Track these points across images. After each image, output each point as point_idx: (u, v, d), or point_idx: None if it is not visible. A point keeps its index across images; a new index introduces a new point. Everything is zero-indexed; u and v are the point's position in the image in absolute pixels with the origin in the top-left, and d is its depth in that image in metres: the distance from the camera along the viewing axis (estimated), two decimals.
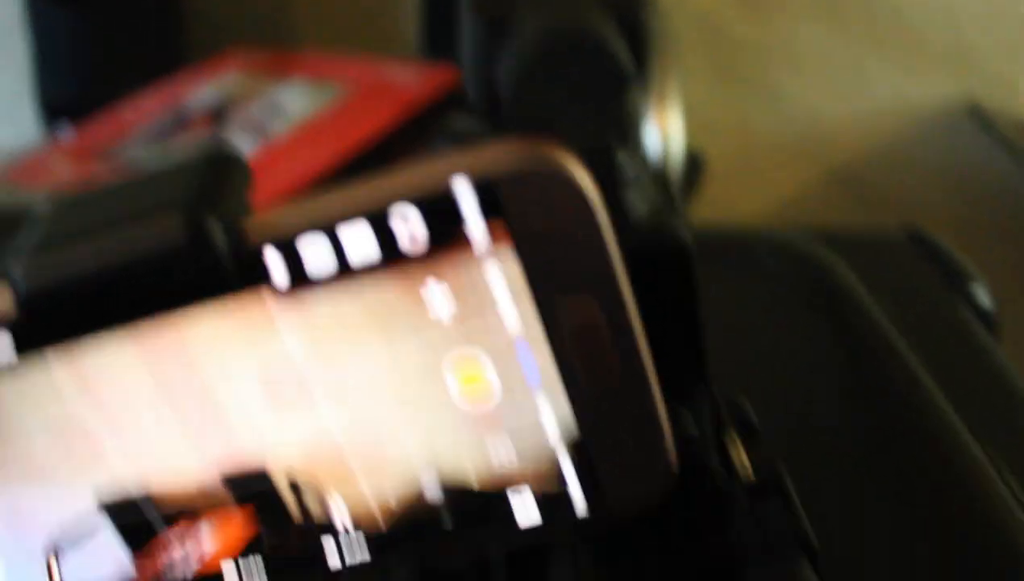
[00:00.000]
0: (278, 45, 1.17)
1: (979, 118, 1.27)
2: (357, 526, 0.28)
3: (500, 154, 0.22)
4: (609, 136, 0.24)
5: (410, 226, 0.23)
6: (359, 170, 0.93)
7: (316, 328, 0.24)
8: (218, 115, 1.02)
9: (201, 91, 1.06)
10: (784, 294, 0.49)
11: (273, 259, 0.23)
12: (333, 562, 0.28)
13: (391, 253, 0.23)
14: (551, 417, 0.26)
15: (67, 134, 1.09)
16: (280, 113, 1.00)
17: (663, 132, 0.91)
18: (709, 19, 1.29)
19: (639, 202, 0.26)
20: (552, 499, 0.27)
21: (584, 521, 0.27)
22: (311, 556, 0.28)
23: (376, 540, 0.28)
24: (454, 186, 0.22)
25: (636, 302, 0.25)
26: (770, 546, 0.30)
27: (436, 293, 0.24)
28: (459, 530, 0.27)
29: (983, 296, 0.52)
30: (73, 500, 0.28)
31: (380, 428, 0.26)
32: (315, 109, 1.00)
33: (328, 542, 0.28)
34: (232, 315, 0.24)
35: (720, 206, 1.42)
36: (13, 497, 0.28)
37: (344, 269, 0.23)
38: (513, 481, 0.27)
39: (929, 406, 0.43)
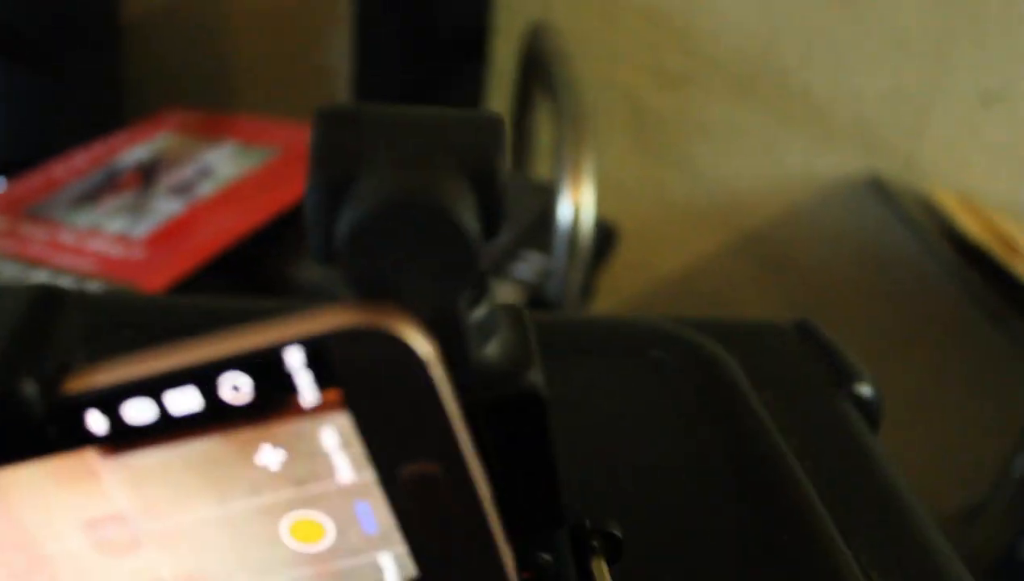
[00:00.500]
0: (214, 107, 1.14)
1: (880, 190, 1.28)
2: None
3: (332, 318, 0.20)
4: (455, 296, 0.22)
5: (240, 392, 0.21)
6: (278, 232, 0.90)
7: (144, 484, 0.22)
8: (148, 174, 0.99)
9: (133, 150, 1.03)
10: (668, 387, 0.48)
11: (95, 420, 0.21)
12: None
13: (220, 416, 0.21)
14: (389, 562, 0.24)
15: (1, 187, 1.06)
16: (210, 174, 0.97)
17: (576, 203, 0.90)
18: (630, 93, 1.28)
19: (495, 354, 0.24)
20: None
21: None
22: None
23: None
24: (284, 353, 0.20)
25: (489, 450, 0.23)
26: None
27: (270, 456, 0.22)
28: None
29: (867, 391, 0.51)
30: None
31: (212, 574, 0.24)
32: (244, 171, 0.98)
33: None
34: (55, 471, 0.22)
35: (637, 268, 1.42)
36: None
37: (171, 431, 0.21)
38: None
39: (800, 501, 0.41)
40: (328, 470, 0.22)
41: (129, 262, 0.85)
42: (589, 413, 0.46)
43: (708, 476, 0.43)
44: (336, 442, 0.22)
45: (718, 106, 1.30)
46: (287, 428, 0.21)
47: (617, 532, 0.32)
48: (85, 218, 0.92)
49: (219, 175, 0.97)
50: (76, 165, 1.01)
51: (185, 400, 0.21)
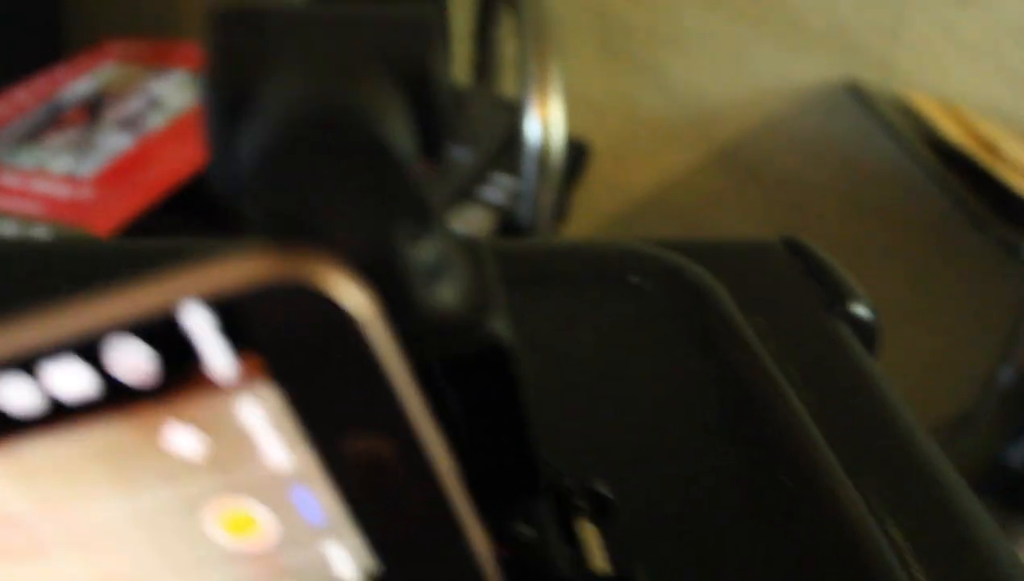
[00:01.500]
0: (159, 37, 1.08)
1: (858, 97, 1.24)
2: None
3: (239, 268, 0.16)
4: (390, 231, 0.18)
5: (132, 360, 0.17)
6: None
7: (36, 478, 0.18)
8: (93, 109, 0.94)
9: (76, 84, 0.98)
10: (650, 316, 0.44)
11: None
12: None
13: (114, 393, 0.17)
14: (343, 554, 0.20)
15: None
16: (158, 106, 0.92)
17: (544, 121, 0.85)
18: (596, 4, 1.22)
19: (448, 295, 0.20)
20: None
21: None
22: None
23: None
24: (183, 311, 0.16)
25: (450, 413, 0.19)
26: None
27: (181, 436, 0.18)
28: None
29: (863, 311, 0.47)
30: None
31: (133, 576, 0.20)
32: (195, 102, 0.92)
33: None
34: None
35: (610, 185, 1.37)
36: None
37: (56, 413, 0.17)
38: None
39: (802, 440, 0.38)
40: (253, 452, 0.18)
41: (77, 203, 0.80)
42: (564, 350, 0.42)
43: (700, 415, 0.39)
44: (259, 419, 0.18)
45: (689, 14, 1.25)
46: (197, 405, 0.17)
47: (605, 491, 0.28)
48: (28, 158, 0.87)
49: (168, 107, 0.92)
50: (15, 102, 0.96)
51: (71, 378, 0.17)
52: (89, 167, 0.84)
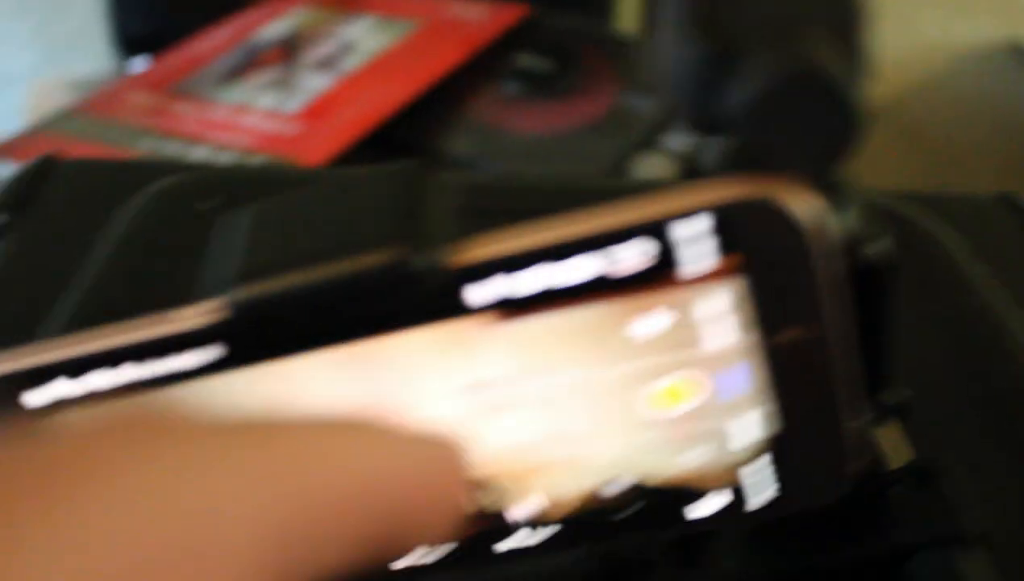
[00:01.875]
0: None
1: (1020, 58, 1.24)
2: (532, 516, 0.26)
3: (728, 189, 0.20)
4: (833, 168, 0.22)
5: (631, 261, 0.21)
6: (426, 106, 0.90)
7: (525, 349, 0.23)
8: (289, 51, 0.99)
9: (270, 27, 1.03)
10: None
11: (487, 289, 0.22)
12: (503, 546, 0.27)
13: (608, 285, 0.21)
14: (741, 424, 0.24)
15: (141, 67, 1.07)
16: (352, 49, 0.97)
17: None
18: None
19: (850, 218, 0.24)
20: (728, 494, 0.26)
21: (755, 514, 0.26)
22: (484, 541, 0.27)
23: (549, 527, 0.27)
24: (679, 223, 0.21)
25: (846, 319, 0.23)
26: (930, 535, 0.29)
27: (648, 323, 0.22)
28: (633, 520, 0.26)
29: None
30: None
31: (573, 434, 0.25)
32: (386, 45, 0.97)
33: (502, 529, 0.27)
34: (438, 337, 0.23)
35: None
36: None
37: (558, 299, 0.22)
38: (692, 478, 0.25)
39: None
40: (700, 337, 0.22)
41: (285, 137, 0.86)
42: None
43: (942, 355, 0.43)
44: (715, 310, 0.22)
45: None
46: (670, 296, 0.22)
47: (906, 397, 0.32)
48: (233, 94, 0.93)
49: (362, 49, 0.97)
50: (216, 42, 1.02)
51: (576, 269, 0.21)
52: (293, 104, 0.90)
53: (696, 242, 0.21)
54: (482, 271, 0.22)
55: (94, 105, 0.95)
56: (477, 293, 0.22)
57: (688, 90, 0.22)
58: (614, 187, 0.53)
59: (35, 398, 0.23)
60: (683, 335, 0.22)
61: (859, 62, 0.22)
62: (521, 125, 0.91)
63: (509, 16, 1.00)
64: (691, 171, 0.87)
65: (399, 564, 0.27)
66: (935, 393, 0.41)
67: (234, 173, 0.51)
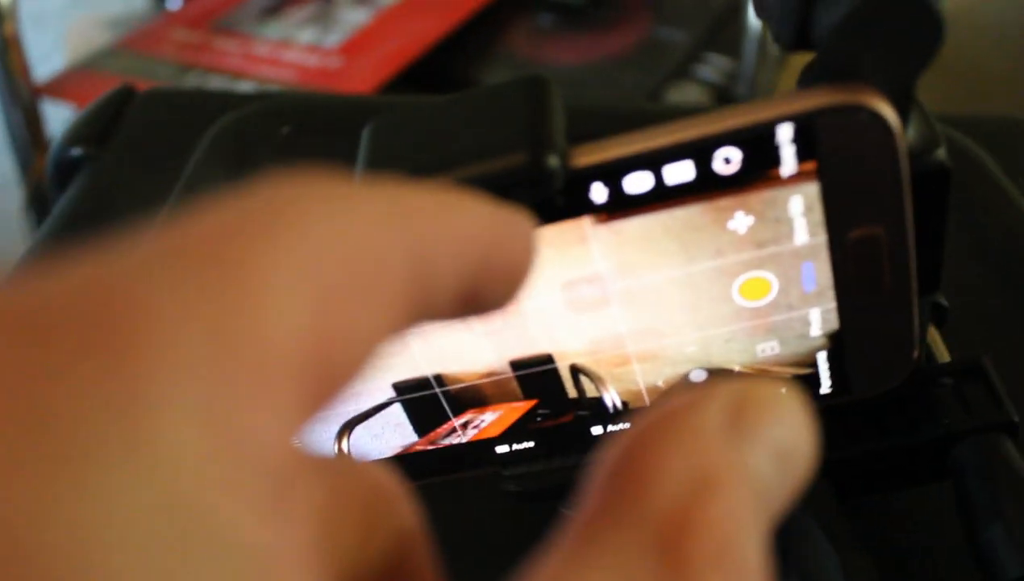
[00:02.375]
0: None
1: None
2: (624, 402, 0.30)
3: (820, 97, 0.23)
4: (916, 77, 0.24)
5: (730, 163, 0.24)
6: (462, 39, 0.92)
7: (625, 247, 0.26)
8: None
9: None
10: None
11: (598, 191, 0.24)
12: (596, 430, 0.30)
13: (707, 186, 0.24)
14: (816, 315, 0.27)
15: (176, 4, 1.09)
16: None
17: None
18: None
19: (910, 132, 0.26)
20: (802, 379, 0.29)
21: (829, 397, 0.29)
22: (577, 426, 0.30)
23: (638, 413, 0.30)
24: (777, 128, 0.23)
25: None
26: (974, 421, 0.32)
27: (741, 221, 0.25)
28: None
29: None
30: (369, 386, 0.30)
31: (663, 326, 0.28)
32: None
33: (595, 413, 0.30)
34: (550, 236, 0.25)
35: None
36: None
37: (662, 199, 0.25)
38: (771, 365, 0.28)
39: None
40: (787, 234, 0.25)
41: (328, 71, 0.88)
42: None
43: (984, 266, 0.45)
44: (801, 208, 0.25)
45: None
46: (762, 196, 0.24)
47: (944, 302, 0.35)
48: (274, 30, 0.96)
49: None
50: None
51: (680, 171, 0.24)
52: (333, 39, 0.92)
53: (793, 144, 0.23)
54: (599, 173, 0.24)
55: (136, 42, 0.97)
56: (592, 194, 0.25)
57: (780, 13, 0.25)
58: (672, 111, 0.56)
59: None
60: (773, 230, 0.25)
61: None
62: (555, 57, 0.93)
63: None
64: (723, 99, 0.89)
65: (502, 448, 0.31)
66: (976, 298, 0.44)
67: (309, 99, 0.53)
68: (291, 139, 0.48)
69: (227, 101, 0.52)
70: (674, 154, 0.24)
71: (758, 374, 0.29)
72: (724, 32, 0.92)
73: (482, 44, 0.93)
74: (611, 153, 0.24)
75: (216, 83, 0.88)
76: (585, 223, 0.25)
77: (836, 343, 0.28)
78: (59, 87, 0.93)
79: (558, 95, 0.25)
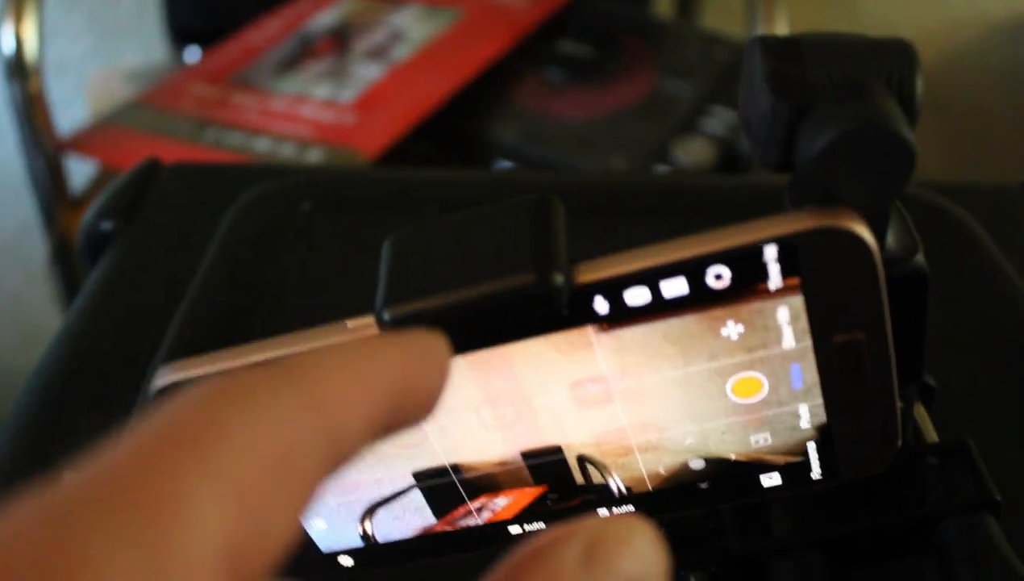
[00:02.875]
0: None
1: None
2: (627, 488, 0.32)
3: (803, 221, 0.25)
4: (892, 199, 0.27)
5: (721, 279, 0.26)
6: (473, 93, 0.95)
7: (627, 351, 0.28)
8: (341, 40, 1.04)
9: (321, 16, 1.08)
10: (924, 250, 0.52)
11: (600, 304, 0.27)
12: (602, 512, 0.33)
13: (701, 300, 0.27)
14: (805, 410, 0.29)
15: (195, 57, 1.12)
16: (401, 38, 1.02)
17: None
18: None
19: (890, 239, 0.29)
20: (793, 466, 0.31)
21: (816, 483, 0.31)
22: (585, 509, 0.32)
23: (641, 497, 0.32)
24: (764, 248, 0.26)
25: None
26: (959, 501, 0.34)
27: (732, 329, 0.27)
28: (712, 490, 0.32)
29: None
30: (391, 474, 0.32)
31: (663, 421, 0.30)
32: (434, 33, 1.02)
33: (600, 498, 0.32)
34: (556, 342, 0.28)
35: None
36: (343, 472, 0.32)
37: (659, 310, 0.27)
38: (764, 454, 0.31)
39: None
40: (775, 339, 0.27)
41: (343, 127, 0.91)
42: None
43: (974, 337, 0.47)
44: (787, 317, 0.27)
45: None
46: (751, 307, 0.27)
47: (931, 382, 0.37)
48: (290, 85, 0.98)
49: (411, 38, 1.01)
50: (269, 32, 1.07)
51: (675, 286, 0.26)
52: (348, 94, 0.95)
53: (778, 262, 0.26)
54: (601, 288, 0.27)
55: (156, 97, 1.00)
56: (595, 307, 0.27)
57: (764, 139, 0.27)
58: (689, 183, 0.58)
59: None
60: (762, 337, 0.27)
61: (914, 109, 0.27)
62: (564, 111, 0.96)
63: (551, 3, 1.04)
64: (728, 154, 0.91)
65: (515, 529, 0.33)
66: (964, 372, 0.46)
67: (329, 175, 0.56)
68: (312, 216, 0.50)
69: (249, 174, 0.54)
70: (669, 271, 0.26)
71: (757, 460, 0.31)
72: (729, 85, 0.94)
73: (493, 99, 0.96)
74: (612, 271, 0.26)
75: (233, 139, 0.91)
76: (590, 331, 0.27)
77: (824, 434, 0.30)
78: (82, 143, 0.96)
79: (561, 213, 0.28)
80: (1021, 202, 0.58)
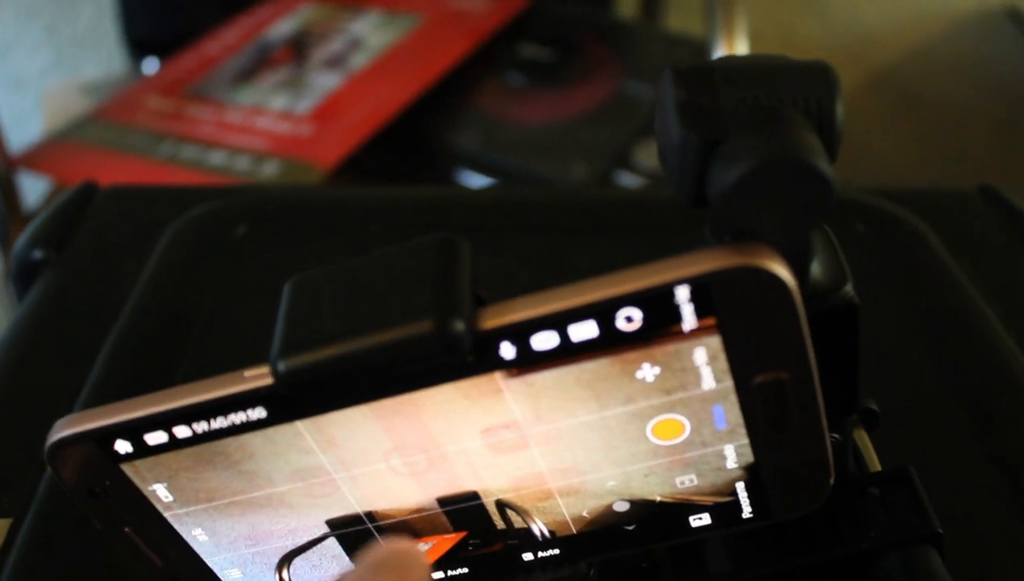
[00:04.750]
0: None
1: (1017, 20, 1.25)
2: (551, 531, 0.30)
3: (715, 260, 0.24)
4: (810, 233, 0.25)
5: (632, 322, 0.25)
6: (433, 100, 0.94)
7: (539, 396, 0.26)
8: (298, 48, 1.02)
9: (279, 24, 1.06)
10: (877, 260, 0.51)
11: (507, 350, 0.25)
12: (526, 557, 0.31)
13: (612, 343, 0.25)
14: (731, 450, 0.28)
15: (152, 69, 1.10)
16: (360, 45, 1.00)
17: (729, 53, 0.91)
18: None
19: (816, 270, 0.27)
20: (723, 506, 0.29)
21: (748, 521, 0.30)
22: (508, 553, 0.31)
23: (566, 540, 0.31)
24: (675, 289, 0.24)
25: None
26: (899, 534, 0.32)
27: (647, 371, 0.26)
28: (639, 531, 0.30)
29: None
30: (305, 523, 0.30)
31: (582, 465, 0.28)
32: (393, 41, 1.00)
33: (524, 542, 0.31)
34: (465, 389, 0.26)
35: None
36: (254, 522, 0.30)
37: (569, 355, 0.25)
38: (691, 495, 0.29)
39: (1013, 366, 0.45)
40: (694, 381, 0.26)
41: (299, 139, 0.89)
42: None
43: (926, 349, 0.46)
44: (704, 358, 0.25)
45: None
46: (666, 349, 0.25)
47: (875, 407, 0.36)
48: (247, 96, 0.97)
49: (369, 46, 1.00)
50: (226, 42, 1.05)
51: (585, 330, 0.25)
52: (305, 104, 0.93)
53: (691, 303, 0.24)
54: (506, 334, 0.25)
55: (111, 111, 0.98)
56: (501, 353, 0.25)
57: (676, 171, 0.25)
58: (610, 198, 0.57)
59: (124, 447, 0.27)
60: (679, 379, 0.26)
61: (833, 136, 0.25)
62: (525, 116, 0.94)
63: (511, 6, 1.03)
64: None
65: (438, 574, 0.31)
66: (915, 390, 0.45)
67: (265, 196, 0.54)
68: (246, 239, 0.49)
69: (186, 197, 0.53)
70: (578, 315, 0.25)
71: (684, 500, 0.29)
72: None
73: (453, 105, 0.94)
74: (517, 315, 0.25)
75: (188, 153, 0.89)
76: (498, 377, 0.26)
77: (753, 474, 0.29)
78: (34, 159, 0.94)
79: (467, 254, 0.26)
80: (979, 208, 0.57)
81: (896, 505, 0.33)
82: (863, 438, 0.36)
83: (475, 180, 0.90)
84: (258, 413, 0.27)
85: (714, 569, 0.33)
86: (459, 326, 0.25)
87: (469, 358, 0.25)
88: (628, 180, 0.87)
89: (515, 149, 0.91)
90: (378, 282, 0.26)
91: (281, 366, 0.25)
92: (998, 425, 0.42)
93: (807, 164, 0.23)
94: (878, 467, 0.35)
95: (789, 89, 0.25)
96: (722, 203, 0.24)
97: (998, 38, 1.30)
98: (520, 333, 0.25)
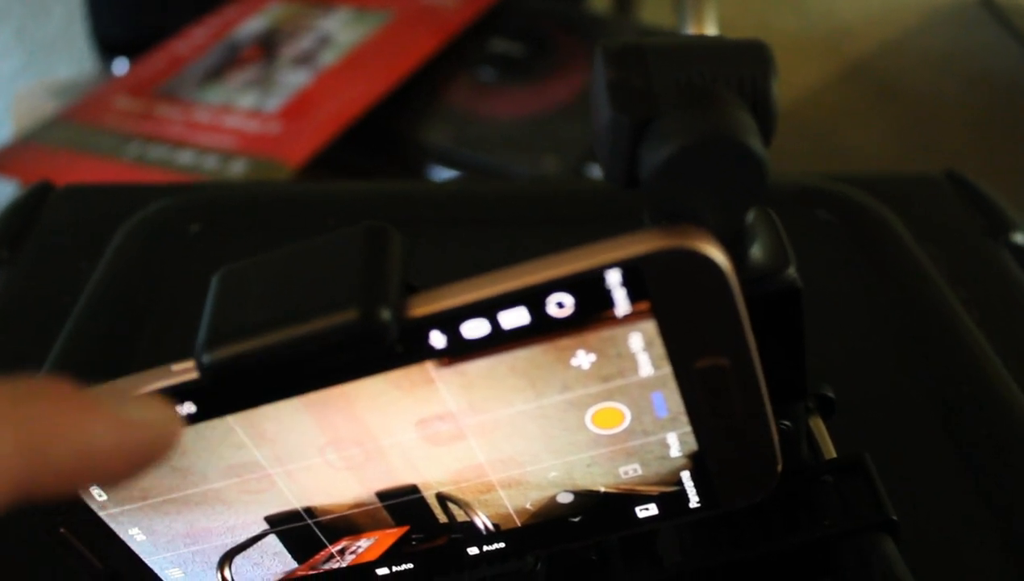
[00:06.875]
0: None
1: (992, 11, 1.25)
2: (495, 524, 0.30)
3: (646, 242, 0.23)
4: (745, 214, 0.25)
5: (564, 307, 0.24)
6: (404, 96, 0.93)
7: (472, 386, 0.26)
8: (268, 46, 1.01)
9: (249, 23, 1.05)
10: (840, 247, 0.50)
11: (437, 338, 0.25)
12: (472, 551, 0.31)
13: (544, 329, 0.24)
14: (674, 438, 0.27)
15: (122, 70, 1.09)
16: (329, 43, 1.00)
17: None
18: None
19: (758, 255, 0.27)
20: (669, 496, 0.29)
21: (696, 511, 0.29)
22: (453, 547, 0.30)
23: (511, 533, 0.30)
24: (606, 274, 0.23)
25: (756, 343, 0.26)
26: (854, 522, 0.32)
27: (583, 358, 0.25)
28: (585, 523, 0.30)
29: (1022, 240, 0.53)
30: (243, 520, 0.30)
31: (522, 456, 0.28)
32: (362, 37, 0.99)
33: (468, 535, 0.30)
34: (396, 380, 0.26)
35: None
36: (191, 519, 0.30)
37: (501, 343, 0.25)
38: (635, 485, 0.29)
39: (987, 370, 0.44)
40: (631, 368, 0.25)
41: (268, 137, 0.88)
42: None
43: (889, 336, 0.46)
44: (641, 344, 0.25)
45: None
46: (600, 335, 0.25)
47: (830, 394, 0.35)
48: (215, 95, 0.96)
49: (338, 43, 0.99)
50: (196, 41, 1.04)
51: (515, 317, 0.24)
52: (273, 102, 0.92)
53: (623, 288, 0.24)
54: (435, 322, 0.25)
55: (79, 112, 0.97)
56: (431, 341, 0.25)
57: (608, 153, 0.25)
58: (561, 190, 0.56)
59: None
60: (616, 365, 0.25)
61: (769, 116, 0.25)
62: (497, 110, 0.94)
63: (481, 1, 1.02)
64: None
65: (382, 570, 0.31)
66: (878, 377, 0.44)
67: (219, 193, 0.53)
68: (200, 237, 0.48)
69: (141, 195, 0.52)
70: (508, 301, 0.24)
71: (629, 491, 0.29)
72: None
73: (424, 101, 0.94)
74: (445, 303, 0.24)
75: (157, 153, 0.88)
76: (429, 366, 0.25)
77: (698, 462, 0.28)
78: (1, 162, 0.93)
79: (398, 242, 0.26)
80: (945, 193, 0.56)
81: (850, 493, 0.33)
82: (818, 425, 0.35)
83: (447, 176, 0.90)
84: (187, 408, 0.26)
85: (665, 560, 0.33)
86: (385, 314, 0.24)
87: (398, 347, 0.25)
88: (600, 174, 0.87)
89: (487, 144, 0.90)
90: (306, 272, 0.26)
91: (205, 359, 0.25)
92: (960, 412, 0.42)
93: (739, 143, 0.23)
94: (833, 454, 0.35)
95: (723, 68, 0.25)
96: (653, 184, 0.24)
97: (974, 29, 1.30)
98: (449, 321, 0.25)
